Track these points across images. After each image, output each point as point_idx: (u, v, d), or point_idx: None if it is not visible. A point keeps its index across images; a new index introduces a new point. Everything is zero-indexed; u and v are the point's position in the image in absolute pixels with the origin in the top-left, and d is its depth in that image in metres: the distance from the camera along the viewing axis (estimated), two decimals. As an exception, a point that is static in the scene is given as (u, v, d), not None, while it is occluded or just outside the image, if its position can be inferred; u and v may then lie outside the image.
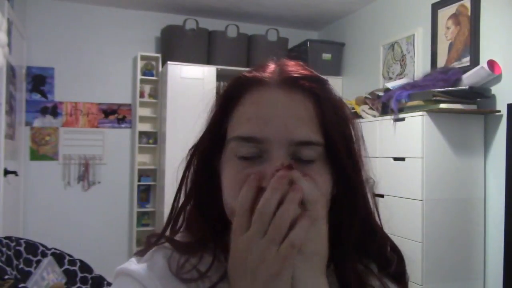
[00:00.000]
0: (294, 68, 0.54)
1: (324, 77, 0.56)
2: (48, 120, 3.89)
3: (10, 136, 3.13)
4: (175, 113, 3.62)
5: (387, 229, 0.62)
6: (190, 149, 0.60)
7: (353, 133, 0.54)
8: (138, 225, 3.95)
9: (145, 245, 0.60)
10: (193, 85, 3.68)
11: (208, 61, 3.90)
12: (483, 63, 2.52)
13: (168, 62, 3.67)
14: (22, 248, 2.57)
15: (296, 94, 0.50)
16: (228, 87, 0.54)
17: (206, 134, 0.57)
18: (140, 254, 0.58)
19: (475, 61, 2.65)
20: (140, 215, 3.99)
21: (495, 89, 2.53)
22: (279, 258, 0.42)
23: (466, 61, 2.72)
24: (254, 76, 0.52)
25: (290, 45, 4.24)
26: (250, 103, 0.50)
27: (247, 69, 0.57)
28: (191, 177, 0.59)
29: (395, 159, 2.71)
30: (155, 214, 4.00)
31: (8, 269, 2.25)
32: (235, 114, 0.52)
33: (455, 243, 2.51)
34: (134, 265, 0.55)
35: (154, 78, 4.03)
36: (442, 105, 2.46)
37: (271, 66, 0.54)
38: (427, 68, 3.03)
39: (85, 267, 2.76)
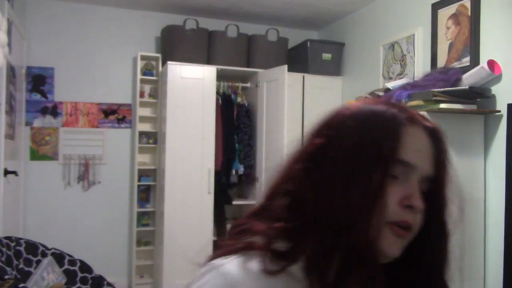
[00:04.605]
0: (423, 117, 0.68)
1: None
2: (48, 120, 3.90)
3: (10, 136, 3.13)
4: (175, 113, 3.62)
5: None
6: (322, 154, 0.64)
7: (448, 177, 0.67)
8: (138, 225, 3.95)
9: (232, 237, 0.65)
10: (193, 85, 3.68)
11: (208, 61, 3.90)
12: (483, 63, 2.52)
13: (168, 62, 3.67)
14: (22, 248, 2.57)
15: (428, 138, 0.65)
16: (385, 121, 0.64)
17: (360, 149, 0.62)
18: (229, 249, 0.62)
19: (475, 61, 2.65)
20: (140, 215, 3.99)
21: (495, 89, 2.53)
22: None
23: (466, 61, 2.72)
24: (414, 119, 0.65)
25: (290, 45, 4.25)
26: (410, 136, 0.63)
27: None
28: (314, 187, 0.62)
29: (395, 159, 2.70)
30: (155, 214, 4.00)
31: (8, 269, 2.25)
32: (399, 139, 0.62)
33: (455, 243, 2.50)
34: (232, 266, 0.59)
35: (154, 78, 4.03)
36: (442, 105, 2.46)
37: (413, 111, 0.67)
38: (427, 68, 3.03)
39: (85, 267, 2.76)
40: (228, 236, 0.66)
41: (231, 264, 0.59)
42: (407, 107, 0.67)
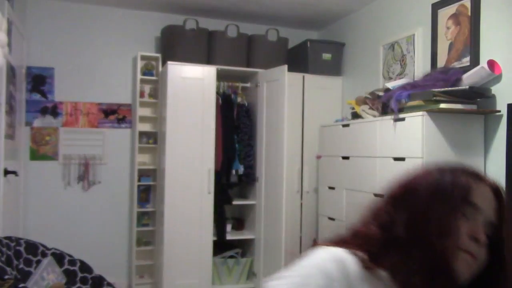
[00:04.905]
0: (488, 178, 0.85)
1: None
2: (48, 120, 3.90)
3: (10, 136, 3.13)
4: (175, 113, 3.62)
5: None
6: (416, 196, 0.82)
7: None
8: (138, 225, 3.95)
9: (337, 241, 0.82)
10: (193, 85, 3.68)
11: (208, 61, 3.90)
12: (483, 63, 2.52)
13: (168, 62, 3.67)
14: (22, 248, 2.57)
15: (491, 193, 0.82)
16: (459, 176, 0.82)
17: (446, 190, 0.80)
18: (331, 243, 0.81)
19: (475, 61, 2.65)
20: (140, 215, 3.99)
21: (495, 89, 2.53)
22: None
23: (466, 61, 2.72)
24: (482, 178, 0.83)
25: (290, 45, 4.25)
26: (478, 188, 0.80)
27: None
28: (409, 220, 0.79)
29: (395, 159, 2.71)
30: (155, 214, 4.00)
31: (8, 269, 2.25)
32: (470, 188, 0.80)
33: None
34: (337, 249, 0.78)
35: (154, 78, 4.03)
36: (442, 105, 2.46)
37: (481, 174, 0.85)
38: (427, 68, 3.03)
39: (85, 267, 2.76)
40: (330, 239, 0.85)
41: (336, 248, 0.78)
42: (475, 169, 0.86)
